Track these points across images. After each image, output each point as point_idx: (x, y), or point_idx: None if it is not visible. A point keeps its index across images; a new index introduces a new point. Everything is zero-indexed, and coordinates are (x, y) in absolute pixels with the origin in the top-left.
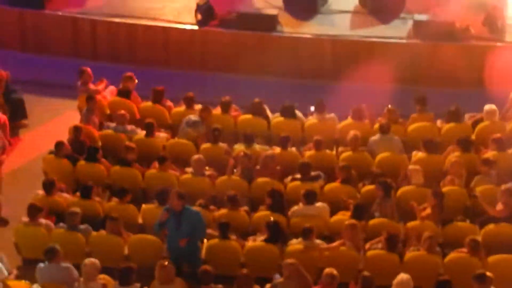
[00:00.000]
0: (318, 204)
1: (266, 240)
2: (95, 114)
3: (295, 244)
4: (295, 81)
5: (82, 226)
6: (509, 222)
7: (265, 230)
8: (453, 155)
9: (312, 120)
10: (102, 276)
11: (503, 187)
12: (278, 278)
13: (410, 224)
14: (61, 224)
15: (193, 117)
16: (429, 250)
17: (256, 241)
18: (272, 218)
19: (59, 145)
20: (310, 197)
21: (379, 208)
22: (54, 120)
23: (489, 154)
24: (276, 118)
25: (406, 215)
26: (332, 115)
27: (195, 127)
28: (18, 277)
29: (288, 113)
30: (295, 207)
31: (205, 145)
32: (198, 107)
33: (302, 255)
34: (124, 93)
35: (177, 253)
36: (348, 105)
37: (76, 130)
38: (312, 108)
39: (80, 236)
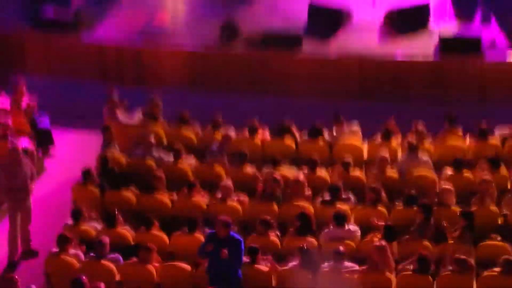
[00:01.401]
0: (349, 226)
1: (298, 266)
2: (113, 145)
3: (327, 267)
4: (323, 101)
5: (111, 255)
6: None
7: (297, 255)
8: (483, 173)
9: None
10: None
11: None
12: None
13: (442, 245)
14: (91, 254)
15: (214, 146)
16: (461, 271)
17: (288, 266)
18: (304, 244)
19: (86, 173)
20: (340, 219)
21: (419, 230)
22: (81, 148)
23: None
24: (303, 139)
25: (438, 236)
26: (354, 125)
27: (214, 156)
28: None
29: (315, 133)
30: (326, 230)
31: (232, 169)
32: (225, 131)
33: (334, 278)
34: (150, 117)
35: (217, 280)
36: (375, 125)
37: (103, 159)
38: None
39: (110, 265)
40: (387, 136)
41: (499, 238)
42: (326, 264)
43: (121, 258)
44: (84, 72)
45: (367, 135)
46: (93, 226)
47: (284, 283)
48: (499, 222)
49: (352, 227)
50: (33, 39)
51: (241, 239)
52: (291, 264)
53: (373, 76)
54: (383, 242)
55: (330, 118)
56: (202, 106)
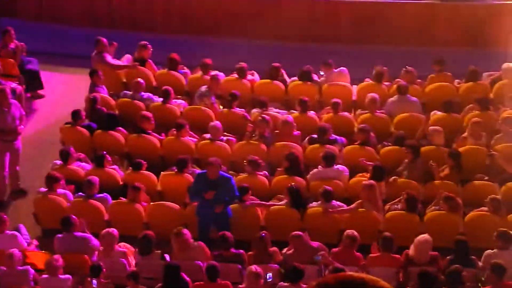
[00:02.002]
0: (337, 166)
1: (287, 205)
2: (100, 88)
3: (315, 207)
4: (312, 45)
5: (100, 195)
6: None
7: (286, 195)
8: (472, 114)
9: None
10: (122, 244)
11: None
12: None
13: (430, 184)
14: (80, 193)
15: (203, 87)
16: (449, 209)
17: (277, 205)
18: (293, 184)
19: (75, 114)
20: (329, 160)
21: (406, 169)
22: (69, 91)
23: (509, 112)
24: (293, 82)
25: (426, 175)
26: (343, 68)
27: (201, 98)
28: (38, 247)
29: (305, 77)
30: (314, 170)
31: (222, 111)
32: (214, 73)
33: (322, 218)
34: (139, 61)
35: (207, 219)
36: (364, 68)
37: (93, 99)
38: (322, 72)
39: (99, 205)
40: (377, 78)
41: (485, 178)
42: (314, 203)
43: (109, 197)
44: (74, 17)
45: (357, 78)
46: (81, 166)
47: (273, 221)
48: (486, 162)
49: (341, 167)
50: None
51: (231, 177)
52: (279, 203)
53: (363, 18)
54: (372, 182)
55: (319, 62)
56: (193, 51)
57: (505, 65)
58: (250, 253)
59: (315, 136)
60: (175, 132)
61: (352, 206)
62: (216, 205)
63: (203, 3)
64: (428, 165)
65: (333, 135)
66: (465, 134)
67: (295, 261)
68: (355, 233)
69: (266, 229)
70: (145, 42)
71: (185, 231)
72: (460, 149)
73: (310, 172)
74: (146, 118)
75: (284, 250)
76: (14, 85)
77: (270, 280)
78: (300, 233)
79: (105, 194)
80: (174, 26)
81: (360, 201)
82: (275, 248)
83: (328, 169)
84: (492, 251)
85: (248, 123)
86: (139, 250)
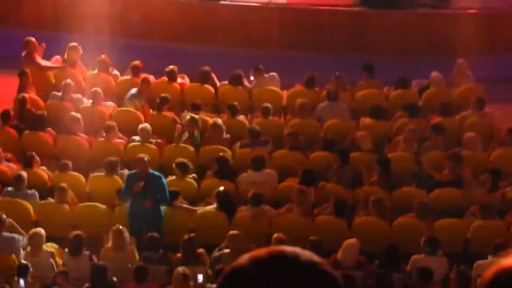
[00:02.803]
0: (267, 170)
1: (216, 209)
2: (29, 89)
3: (244, 210)
4: (243, 50)
5: (29, 191)
6: (455, 186)
7: (214, 199)
8: (401, 121)
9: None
10: (49, 244)
11: (449, 152)
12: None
13: (358, 189)
14: (9, 188)
15: (133, 90)
16: (377, 214)
17: (208, 208)
18: (222, 188)
19: (4, 114)
20: (258, 164)
21: (335, 174)
22: None
23: (437, 120)
24: (223, 86)
25: (355, 181)
26: (273, 74)
27: (131, 101)
28: None
29: (235, 81)
30: (244, 174)
31: (151, 114)
32: (145, 76)
33: (251, 222)
34: (69, 63)
35: (139, 219)
36: (295, 73)
37: (22, 99)
38: (252, 77)
39: (27, 205)
40: (308, 84)
41: (414, 185)
42: (243, 207)
43: (37, 194)
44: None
45: (287, 83)
46: (9, 166)
47: (201, 225)
48: (415, 169)
49: (270, 171)
50: None
51: (161, 175)
52: (208, 207)
53: (294, 24)
54: (304, 187)
55: (250, 67)
56: (125, 53)
57: (433, 73)
58: (178, 254)
59: (247, 142)
60: (104, 134)
61: (282, 210)
62: (146, 200)
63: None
64: (356, 171)
65: (266, 137)
66: (397, 139)
67: (232, 261)
68: (283, 237)
69: (195, 232)
70: (75, 43)
71: (125, 230)
72: (389, 155)
73: (240, 176)
74: (75, 119)
75: (215, 252)
76: None
77: (200, 282)
78: (237, 232)
79: (33, 190)
80: (104, 28)
81: (289, 205)
82: (202, 250)
83: (257, 173)
84: (419, 256)
85: (178, 126)
86: (69, 250)
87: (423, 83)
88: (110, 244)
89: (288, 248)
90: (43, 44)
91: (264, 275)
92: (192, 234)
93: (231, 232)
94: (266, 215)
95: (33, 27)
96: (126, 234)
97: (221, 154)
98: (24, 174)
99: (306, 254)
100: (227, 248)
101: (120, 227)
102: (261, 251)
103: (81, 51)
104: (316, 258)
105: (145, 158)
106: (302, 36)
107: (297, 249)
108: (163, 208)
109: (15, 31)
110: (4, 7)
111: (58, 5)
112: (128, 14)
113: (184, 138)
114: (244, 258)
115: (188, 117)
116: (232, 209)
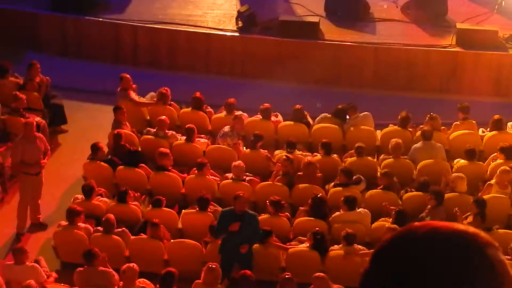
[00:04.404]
0: (360, 210)
1: (309, 247)
2: (124, 125)
3: (337, 250)
4: (336, 88)
5: (118, 230)
6: None
7: (309, 238)
8: (496, 163)
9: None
10: (141, 280)
11: None
12: None
13: None
14: (99, 228)
15: (226, 127)
16: None
17: (300, 247)
18: (318, 228)
19: (94, 147)
20: (351, 203)
21: (429, 215)
22: (93, 126)
23: None
24: (317, 124)
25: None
26: (367, 113)
27: (224, 138)
28: (57, 281)
29: (339, 115)
30: (337, 213)
31: (245, 151)
32: (239, 113)
33: (344, 261)
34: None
35: (231, 256)
36: (388, 114)
37: (117, 135)
38: (348, 116)
39: (119, 240)
40: (402, 124)
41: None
42: (335, 246)
43: (128, 232)
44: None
45: (380, 123)
46: (103, 201)
47: (293, 263)
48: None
49: (363, 210)
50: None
51: (256, 214)
52: (301, 246)
53: (387, 64)
54: (395, 226)
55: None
56: (211, 91)
57: None
58: None
59: (340, 182)
60: (196, 171)
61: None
62: (242, 244)
63: (228, 45)
64: (451, 212)
65: (358, 175)
66: (491, 182)
67: None
68: None
69: (287, 271)
70: (166, 88)
71: (219, 268)
72: (485, 197)
73: (333, 215)
74: (163, 154)
75: None
76: (38, 118)
77: None
78: (322, 274)
79: (123, 228)
80: (198, 65)
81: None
82: None
83: (350, 213)
84: None
85: (271, 164)
86: (160, 286)
87: None
88: (201, 280)
89: (443, 226)
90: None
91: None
92: (288, 275)
93: (316, 274)
94: (359, 254)
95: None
96: (219, 271)
97: (318, 194)
98: (112, 216)
99: (474, 232)
100: None
101: (214, 265)
102: (415, 227)
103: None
104: (483, 235)
105: (244, 197)
106: (395, 75)
107: (455, 226)
108: (255, 246)
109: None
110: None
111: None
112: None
113: (278, 177)
114: (395, 232)
115: (283, 156)
116: (325, 248)
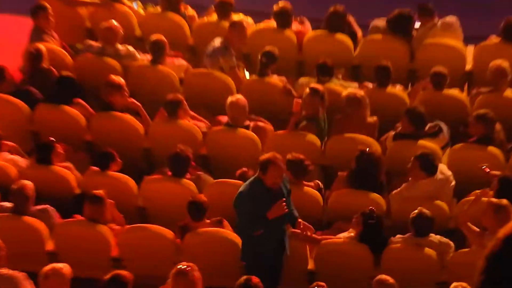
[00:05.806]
0: (440, 177)
1: (356, 238)
2: (48, 36)
3: (400, 242)
4: None
5: (37, 207)
6: None
7: (357, 223)
8: None
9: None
10: None
11: None
12: None
13: None
14: (6, 204)
15: (217, 40)
16: None
17: (340, 237)
18: (372, 207)
19: None
20: (428, 167)
21: None
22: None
23: None
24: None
25: None
26: (451, 19)
27: (214, 58)
28: None
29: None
30: (403, 185)
31: (249, 79)
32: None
33: (411, 261)
34: None
35: (269, 246)
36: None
37: (35, 53)
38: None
39: (39, 224)
40: (509, 35)
41: None
42: (398, 237)
43: (54, 212)
44: None
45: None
46: (13, 160)
47: (330, 265)
48: None
49: (445, 177)
50: None
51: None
52: (342, 235)
53: None
54: (503, 201)
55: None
56: None
57: None
58: None
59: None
60: (166, 112)
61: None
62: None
63: None
64: None
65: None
66: None
67: None
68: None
69: (319, 276)
70: None
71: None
72: None
73: (403, 186)
74: (114, 85)
75: None
76: None
77: None
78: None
79: (47, 206)
80: None
81: (479, 230)
82: None
83: (425, 182)
84: None
85: (293, 101)
86: None
87: None
88: None
89: None
90: None
91: None
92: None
93: (382, 278)
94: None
95: None
96: (194, 276)
97: (368, 150)
98: (30, 185)
99: None
100: None
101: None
102: None
103: None
104: None
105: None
106: None
107: None
108: None
109: None
110: None
111: None
112: None
113: (303, 123)
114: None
115: (311, 88)
116: (381, 240)
